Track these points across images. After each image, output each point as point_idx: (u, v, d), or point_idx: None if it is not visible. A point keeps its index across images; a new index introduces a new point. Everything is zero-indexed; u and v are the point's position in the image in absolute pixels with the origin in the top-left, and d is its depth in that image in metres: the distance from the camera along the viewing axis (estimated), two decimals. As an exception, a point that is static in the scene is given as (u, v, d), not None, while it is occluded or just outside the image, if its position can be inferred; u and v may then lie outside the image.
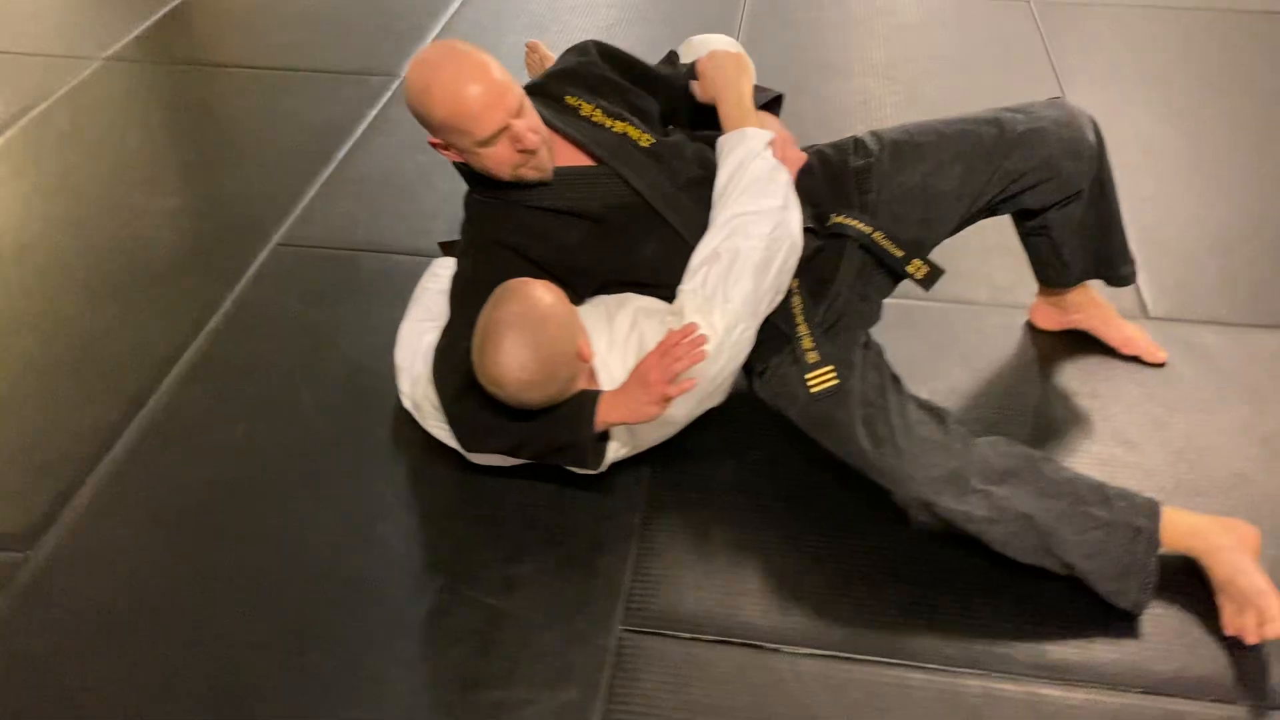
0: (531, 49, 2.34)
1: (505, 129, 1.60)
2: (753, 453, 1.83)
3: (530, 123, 1.62)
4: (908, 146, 1.82)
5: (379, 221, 2.43)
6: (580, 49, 1.80)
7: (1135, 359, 2.03)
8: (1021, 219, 1.90)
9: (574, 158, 1.75)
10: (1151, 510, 1.58)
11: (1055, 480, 1.60)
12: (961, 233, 1.86)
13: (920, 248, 1.79)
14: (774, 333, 1.74)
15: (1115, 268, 1.97)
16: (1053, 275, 1.98)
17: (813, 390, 1.68)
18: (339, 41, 3.26)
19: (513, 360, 1.53)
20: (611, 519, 1.72)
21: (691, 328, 1.54)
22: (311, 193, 2.54)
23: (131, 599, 1.61)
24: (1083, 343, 2.07)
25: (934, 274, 1.77)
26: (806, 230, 1.75)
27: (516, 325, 1.54)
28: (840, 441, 1.66)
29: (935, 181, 1.79)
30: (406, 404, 1.84)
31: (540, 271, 1.72)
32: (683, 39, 2.04)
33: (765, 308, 1.70)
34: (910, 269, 1.77)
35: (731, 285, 1.66)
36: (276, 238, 2.39)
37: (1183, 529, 1.59)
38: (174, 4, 3.51)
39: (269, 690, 1.48)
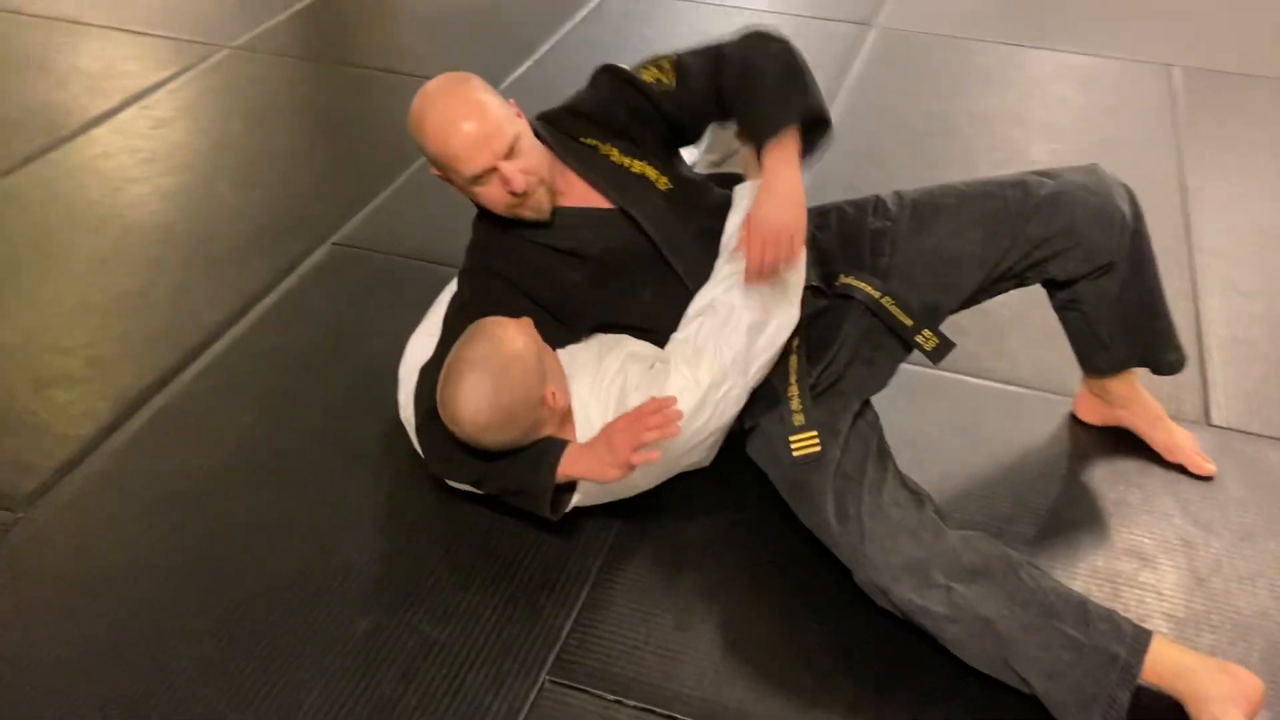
0: None
1: (494, 170, 1.58)
2: (730, 515, 1.76)
3: (523, 164, 1.59)
4: (928, 209, 1.72)
5: (434, 232, 2.46)
6: (594, 80, 1.76)
7: (1181, 468, 1.86)
8: (1053, 290, 1.78)
9: (588, 198, 1.71)
10: (1138, 640, 1.43)
11: (1030, 588, 1.47)
12: (1012, 310, 1.75)
13: (933, 315, 1.69)
14: (768, 390, 1.67)
15: (1157, 353, 1.82)
16: (1092, 357, 1.84)
17: (794, 454, 1.60)
18: (454, 49, 3.34)
19: (470, 403, 1.52)
20: (569, 562, 1.68)
21: (670, 400, 1.49)
22: (380, 197, 2.60)
23: (98, 572, 1.66)
24: (1127, 443, 1.90)
25: (944, 346, 1.67)
26: (813, 289, 1.68)
27: (479, 368, 1.53)
28: (810, 512, 1.58)
29: (953, 245, 1.69)
30: (402, 416, 1.85)
31: (534, 306, 1.70)
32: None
33: (758, 369, 1.63)
34: (919, 339, 1.67)
35: (724, 340, 1.60)
36: (334, 237, 2.45)
37: (1170, 666, 1.43)
38: (308, 1, 3.66)
39: (187, 679, 1.50)
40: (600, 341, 1.74)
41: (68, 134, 2.82)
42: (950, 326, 1.72)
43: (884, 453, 1.63)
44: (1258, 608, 1.62)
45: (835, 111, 2.92)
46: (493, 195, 1.62)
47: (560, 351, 1.72)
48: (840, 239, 1.74)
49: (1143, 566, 1.69)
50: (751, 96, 1.63)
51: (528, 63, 3.24)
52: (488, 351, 1.54)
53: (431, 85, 1.61)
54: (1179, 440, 1.86)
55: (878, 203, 1.76)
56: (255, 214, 2.54)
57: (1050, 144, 2.84)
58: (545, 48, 3.34)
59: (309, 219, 2.51)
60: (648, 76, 1.72)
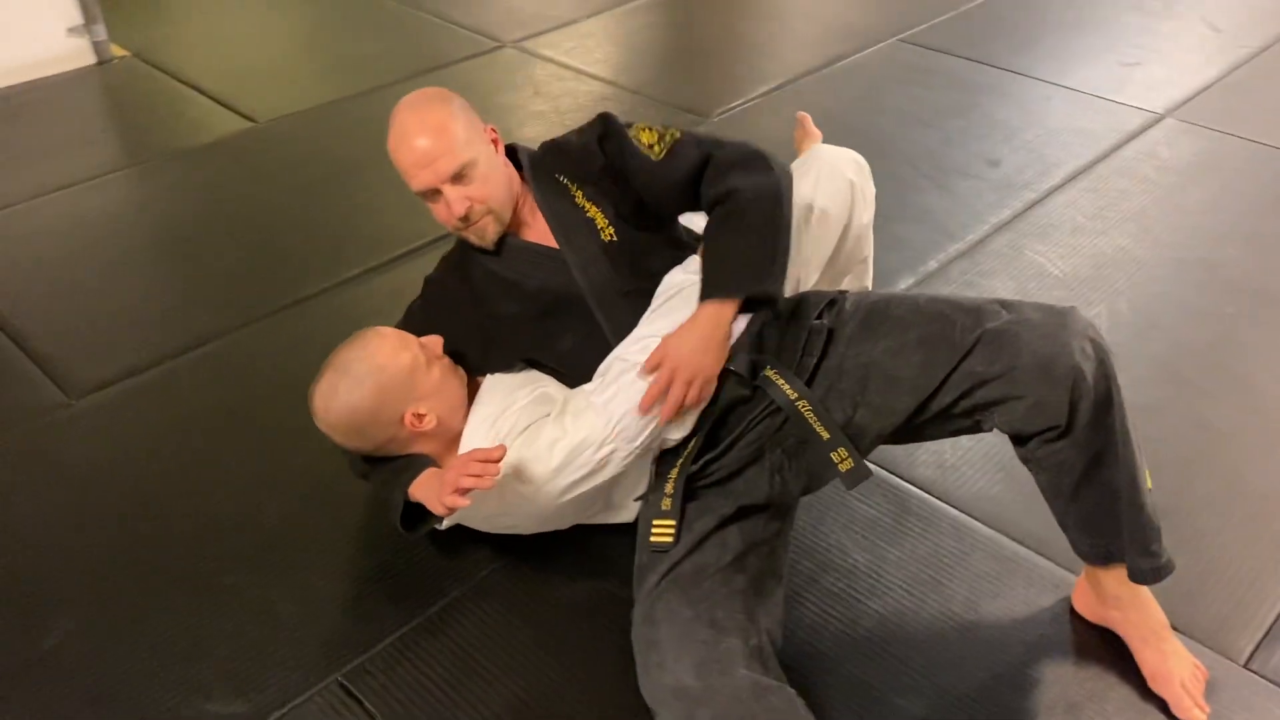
0: (800, 122, 2.29)
1: (438, 191, 1.61)
2: (613, 587, 1.65)
3: (470, 191, 1.60)
4: (878, 317, 1.52)
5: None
6: (590, 123, 1.72)
7: (1163, 703, 1.48)
8: (1012, 442, 1.48)
9: (545, 235, 1.70)
10: None
11: None
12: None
13: (858, 436, 1.49)
14: (662, 466, 1.57)
15: (1127, 553, 1.46)
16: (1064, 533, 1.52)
17: (650, 538, 1.49)
18: (680, 79, 3.37)
19: (320, 401, 1.57)
20: (433, 579, 1.67)
21: (495, 452, 1.44)
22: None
23: (101, 483, 1.91)
24: (1117, 651, 1.55)
25: (857, 473, 1.47)
26: (734, 374, 1.54)
27: (337, 371, 1.57)
28: (638, 601, 1.46)
29: (889, 362, 1.48)
30: None
31: (470, 327, 1.70)
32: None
33: (648, 436, 1.53)
34: (834, 455, 1.47)
35: (617, 400, 1.53)
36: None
37: None
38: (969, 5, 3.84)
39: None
40: (527, 376, 1.71)
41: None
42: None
43: (742, 568, 1.46)
44: None
45: (1080, 199, 2.62)
46: (439, 214, 1.65)
47: (488, 377, 1.71)
48: (780, 330, 1.57)
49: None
50: (720, 244, 1.57)
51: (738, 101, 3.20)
52: (352, 358, 1.57)
53: (408, 96, 1.67)
54: (1173, 669, 1.48)
55: (833, 301, 1.57)
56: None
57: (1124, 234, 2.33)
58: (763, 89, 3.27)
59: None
60: (645, 138, 1.67)
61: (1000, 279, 2.38)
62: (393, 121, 1.64)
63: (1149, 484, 1.45)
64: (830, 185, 1.84)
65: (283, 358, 2.15)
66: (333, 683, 1.53)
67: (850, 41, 3.56)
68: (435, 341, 1.66)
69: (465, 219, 1.62)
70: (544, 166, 1.72)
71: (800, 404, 1.49)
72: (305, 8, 3.98)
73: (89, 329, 2.25)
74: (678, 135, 1.65)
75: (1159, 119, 3.05)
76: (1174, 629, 1.56)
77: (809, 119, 2.32)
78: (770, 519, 1.53)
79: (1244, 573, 1.69)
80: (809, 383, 1.51)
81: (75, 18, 3.37)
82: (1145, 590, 1.51)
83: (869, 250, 2.04)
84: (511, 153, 1.73)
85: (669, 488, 1.52)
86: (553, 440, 1.52)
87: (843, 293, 1.59)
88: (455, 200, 1.60)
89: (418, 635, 1.60)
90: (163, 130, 3.09)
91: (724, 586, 1.43)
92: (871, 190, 1.95)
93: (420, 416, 1.58)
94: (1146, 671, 1.50)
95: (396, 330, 1.65)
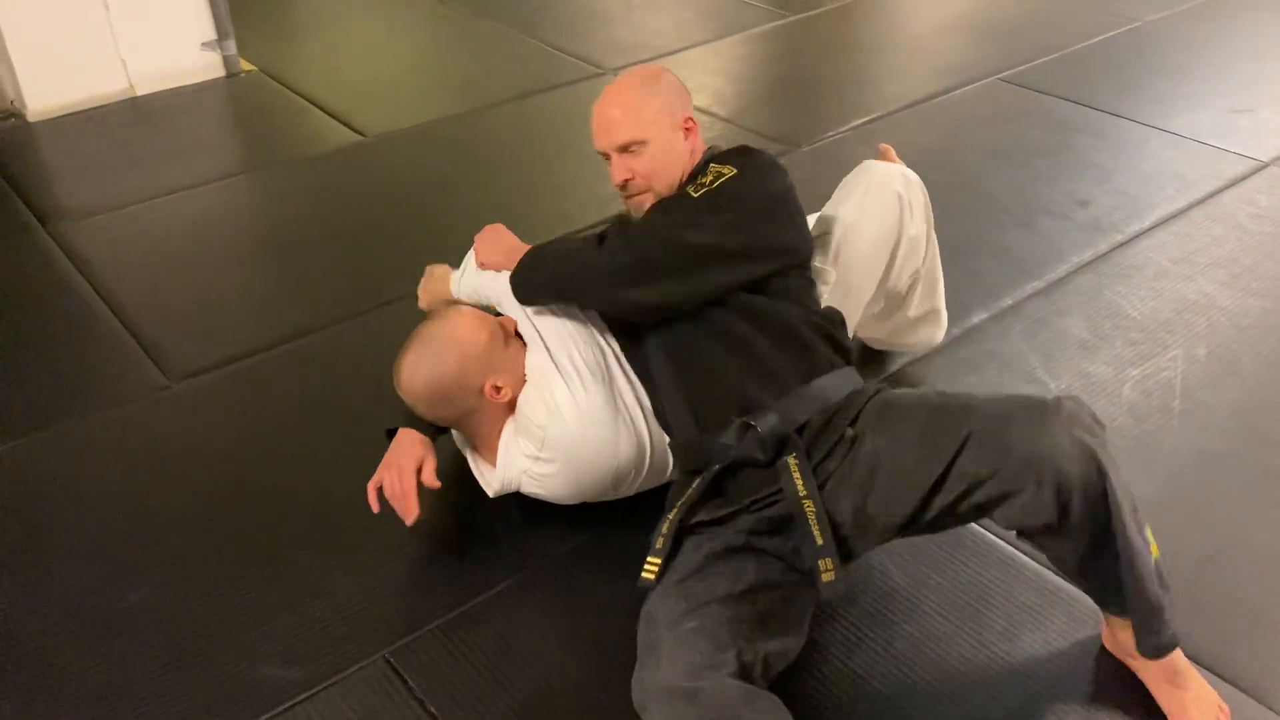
0: (882, 154, 2.32)
1: (609, 156, 1.73)
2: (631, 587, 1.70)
3: (634, 165, 1.71)
4: (889, 409, 1.52)
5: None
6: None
7: (1188, 746, 1.46)
8: (1017, 534, 1.48)
9: None
10: None
11: None
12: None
13: (867, 526, 1.49)
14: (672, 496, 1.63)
15: (1140, 634, 1.44)
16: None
17: (642, 574, 1.53)
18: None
19: (407, 371, 1.70)
20: (481, 570, 1.75)
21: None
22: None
23: (191, 460, 2.05)
24: (1145, 689, 1.53)
25: (836, 587, 1.44)
26: (752, 427, 1.54)
27: (422, 343, 1.70)
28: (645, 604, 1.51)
29: (893, 452, 1.47)
30: None
31: None
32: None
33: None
34: (821, 564, 1.45)
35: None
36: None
37: None
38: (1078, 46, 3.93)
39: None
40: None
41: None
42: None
43: (752, 602, 1.45)
44: None
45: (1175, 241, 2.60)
46: (612, 175, 1.76)
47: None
48: (819, 427, 1.55)
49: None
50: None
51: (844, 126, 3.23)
52: (436, 333, 1.70)
53: (631, 70, 1.83)
54: (1192, 713, 1.46)
55: (873, 396, 1.56)
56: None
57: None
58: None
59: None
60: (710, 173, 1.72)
61: (1075, 318, 2.36)
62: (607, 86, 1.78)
63: (1155, 553, 1.42)
64: (876, 199, 1.88)
65: (367, 354, 2.27)
66: (380, 659, 1.62)
67: (951, 78, 3.57)
68: (510, 321, 1.76)
69: (624, 188, 1.74)
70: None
71: (806, 503, 1.48)
72: (423, 28, 4.18)
73: (194, 318, 2.42)
74: (720, 180, 1.66)
75: (1263, 167, 2.99)
76: (1219, 676, 1.54)
77: (891, 150, 2.34)
78: (788, 570, 1.53)
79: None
80: (822, 485, 1.51)
81: (209, 33, 3.61)
82: None
83: (937, 297, 2.06)
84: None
85: (665, 527, 1.55)
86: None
87: (879, 389, 1.58)
88: (618, 168, 1.73)
89: (463, 621, 1.68)
90: (281, 140, 3.30)
91: (730, 610, 1.43)
92: (921, 201, 1.95)
93: (499, 389, 1.69)
94: (1167, 711, 1.48)
95: (475, 309, 1.76)
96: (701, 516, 1.55)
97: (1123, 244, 2.64)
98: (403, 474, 1.69)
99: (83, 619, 1.69)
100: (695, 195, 1.66)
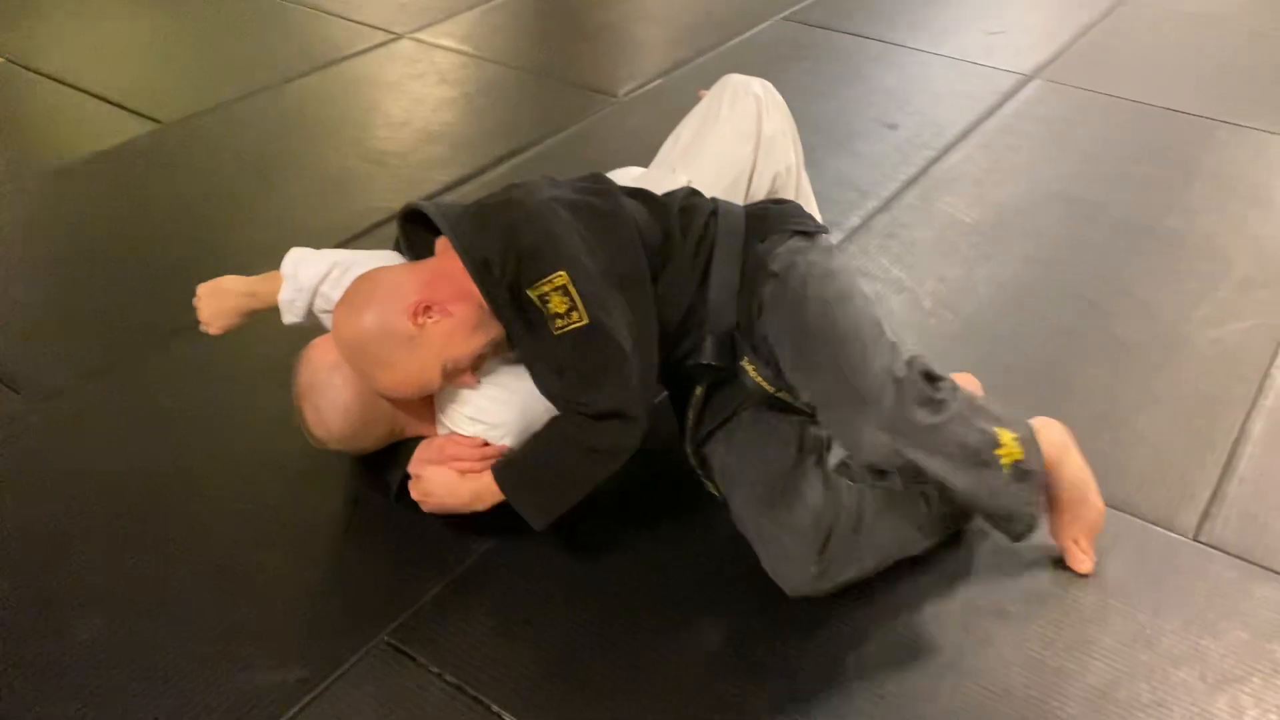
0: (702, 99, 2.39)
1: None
2: (609, 534, 1.76)
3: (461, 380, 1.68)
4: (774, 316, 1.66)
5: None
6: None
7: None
8: None
9: None
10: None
11: None
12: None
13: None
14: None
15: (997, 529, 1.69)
16: None
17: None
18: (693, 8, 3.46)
19: (313, 417, 1.68)
20: (459, 537, 1.74)
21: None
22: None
23: (88, 483, 1.89)
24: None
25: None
26: (709, 367, 1.66)
27: (310, 390, 1.68)
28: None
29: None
30: None
31: None
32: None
33: None
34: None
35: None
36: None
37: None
38: (490, 5, 3.91)
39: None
40: None
41: (234, 97, 3.18)
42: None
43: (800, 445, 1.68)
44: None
45: (965, 161, 2.84)
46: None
47: None
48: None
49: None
50: (542, 455, 1.63)
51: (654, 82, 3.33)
52: (313, 378, 1.68)
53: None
54: (1065, 523, 1.70)
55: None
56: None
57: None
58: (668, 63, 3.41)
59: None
60: (553, 304, 1.54)
61: (919, 229, 2.58)
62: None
63: (1010, 457, 1.58)
64: (732, 98, 2.01)
65: (246, 344, 2.15)
66: (381, 642, 1.58)
67: (741, 21, 3.72)
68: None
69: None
70: None
71: (771, 391, 1.67)
72: (179, 8, 3.87)
73: (32, 335, 2.20)
74: (582, 323, 1.51)
75: (1029, 79, 3.33)
76: (1128, 513, 1.78)
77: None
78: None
79: (1177, 461, 1.92)
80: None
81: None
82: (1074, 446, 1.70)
83: (811, 208, 2.19)
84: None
85: (690, 449, 1.71)
86: None
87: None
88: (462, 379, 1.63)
89: (458, 589, 1.66)
90: (57, 137, 3.00)
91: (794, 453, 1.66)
92: (779, 102, 2.07)
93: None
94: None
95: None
96: (709, 427, 1.68)
97: (936, 159, 2.89)
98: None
99: (34, 670, 1.54)
100: (557, 336, 1.53)
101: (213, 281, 1.81)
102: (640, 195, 1.71)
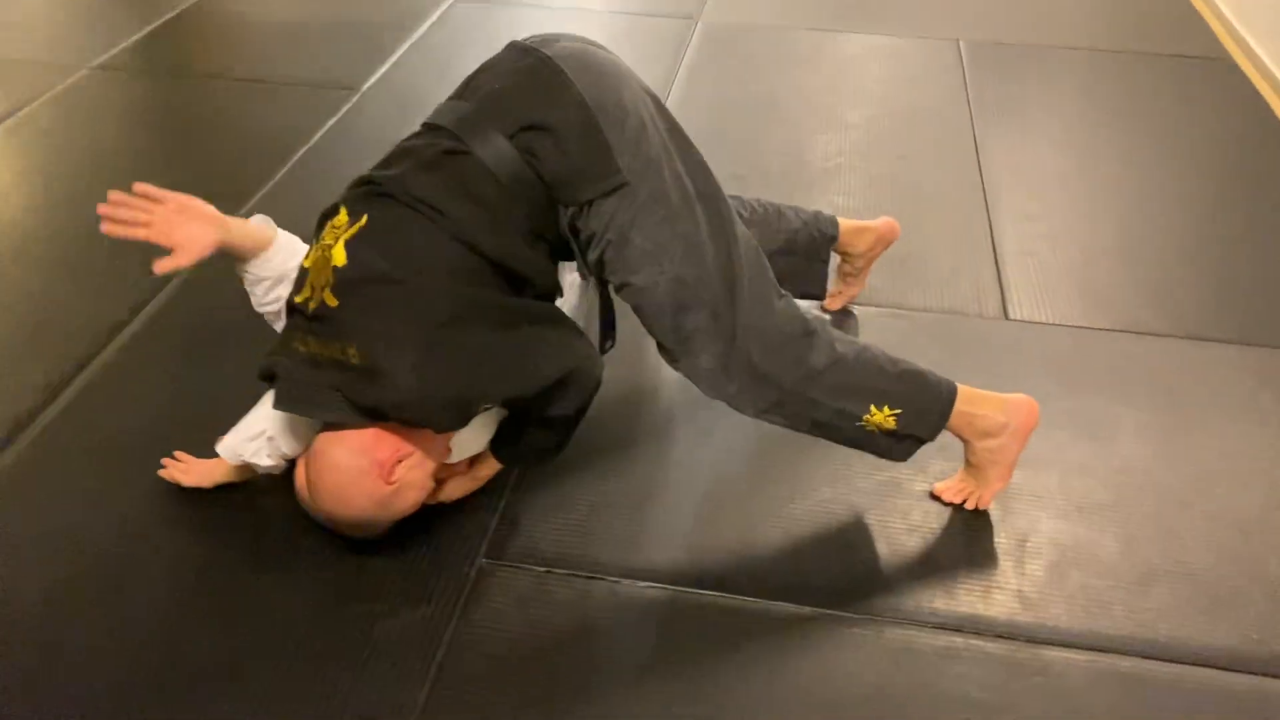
0: None
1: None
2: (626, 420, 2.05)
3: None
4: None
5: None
6: None
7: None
8: None
9: None
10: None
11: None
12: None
13: None
14: None
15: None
16: None
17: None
18: (312, 56, 3.53)
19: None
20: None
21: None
22: (263, 190, 2.78)
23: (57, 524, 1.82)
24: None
25: None
26: None
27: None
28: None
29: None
30: None
31: None
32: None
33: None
34: None
35: None
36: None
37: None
38: (164, 19, 3.79)
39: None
40: None
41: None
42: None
43: None
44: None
45: (673, 99, 3.28)
46: None
47: None
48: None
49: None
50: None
51: (382, 67, 3.47)
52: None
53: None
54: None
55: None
56: (146, 213, 2.69)
57: (863, 110, 3.25)
58: (401, 50, 3.57)
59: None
60: None
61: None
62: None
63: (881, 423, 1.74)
64: None
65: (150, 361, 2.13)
66: (481, 564, 1.75)
67: (430, 6, 3.92)
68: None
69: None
70: None
71: None
72: None
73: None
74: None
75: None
76: (946, 312, 2.35)
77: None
78: None
79: (964, 259, 2.52)
80: None
81: None
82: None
83: None
84: None
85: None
86: None
87: None
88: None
89: (512, 508, 1.86)
90: None
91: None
92: None
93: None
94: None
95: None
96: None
97: (664, 96, 3.33)
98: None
99: None
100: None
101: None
102: None
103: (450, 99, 1.75)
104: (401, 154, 1.69)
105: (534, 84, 1.64)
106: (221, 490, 1.86)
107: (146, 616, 1.66)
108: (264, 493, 1.86)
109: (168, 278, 2.39)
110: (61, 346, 2.22)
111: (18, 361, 2.18)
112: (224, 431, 1.79)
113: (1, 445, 1.96)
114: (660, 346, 1.73)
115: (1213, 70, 3.56)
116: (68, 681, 1.56)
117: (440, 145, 1.64)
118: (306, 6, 3.92)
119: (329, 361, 1.59)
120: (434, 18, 3.84)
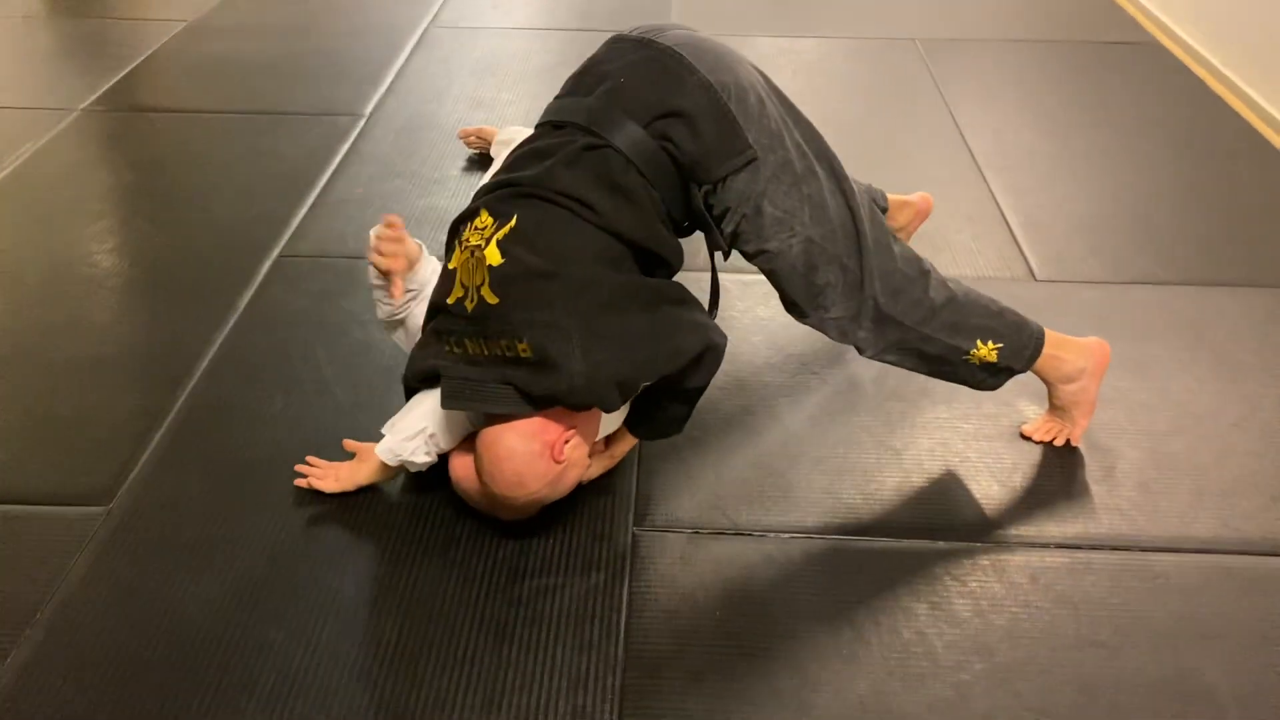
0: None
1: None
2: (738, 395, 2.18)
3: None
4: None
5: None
6: None
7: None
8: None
9: None
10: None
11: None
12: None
13: None
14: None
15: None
16: None
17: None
18: (304, 88, 3.57)
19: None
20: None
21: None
22: (301, 214, 2.82)
23: (189, 539, 1.86)
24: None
25: None
26: None
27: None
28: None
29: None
30: None
31: None
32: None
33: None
34: None
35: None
36: (276, 251, 2.66)
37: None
38: (142, 58, 3.77)
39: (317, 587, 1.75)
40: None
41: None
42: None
43: None
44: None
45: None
46: None
47: None
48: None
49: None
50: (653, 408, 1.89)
51: (374, 94, 3.53)
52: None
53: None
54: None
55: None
56: (189, 246, 2.71)
57: (843, 105, 3.46)
58: (387, 80, 3.63)
59: (244, 241, 2.70)
60: None
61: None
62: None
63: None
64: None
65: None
66: (633, 534, 1.86)
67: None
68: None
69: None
70: None
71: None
72: None
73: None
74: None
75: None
76: (979, 279, 2.55)
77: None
78: None
79: (982, 231, 2.73)
80: None
81: None
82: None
83: None
84: None
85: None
86: None
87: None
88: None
89: (645, 481, 1.97)
90: None
91: None
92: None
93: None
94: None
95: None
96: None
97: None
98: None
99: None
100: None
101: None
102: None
103: (564, 96, 1.86)
104: (533, 155, 1.79)
105: (659, 73, 1.77)
106: (358, 495, 1.92)
107: (341, 608, 1.72)
108: (404, 491, 1.94)
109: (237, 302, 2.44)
110: (153, 371, 2.24)
111: (111, 389, 2.19)
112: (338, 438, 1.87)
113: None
114: (789, 304, 1.87)
115: (1144, 52, 3.90)
116: (281, 676, 1.61)
117: (577, 141, 1.75)
118: (277, 45, 3.94)
119: (490, 359, 1.68)
120: (413, 42, 3.91)
